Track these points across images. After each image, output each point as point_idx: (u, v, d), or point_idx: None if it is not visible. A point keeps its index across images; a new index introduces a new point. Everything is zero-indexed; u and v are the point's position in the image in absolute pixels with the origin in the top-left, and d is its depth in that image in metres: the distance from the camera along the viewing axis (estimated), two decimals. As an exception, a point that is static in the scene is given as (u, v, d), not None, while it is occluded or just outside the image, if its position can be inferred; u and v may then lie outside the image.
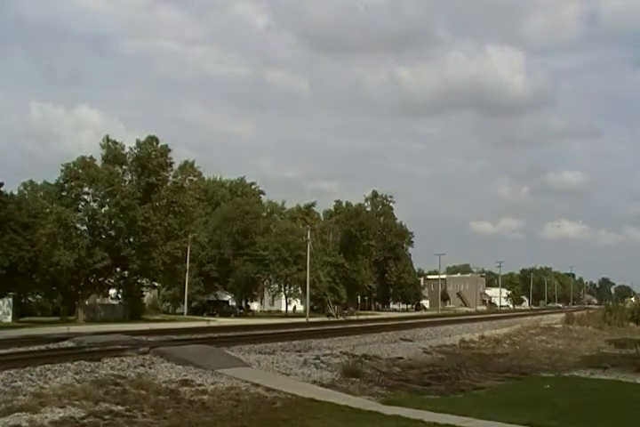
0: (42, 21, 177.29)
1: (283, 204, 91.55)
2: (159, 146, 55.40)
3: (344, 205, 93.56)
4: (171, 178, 57.40)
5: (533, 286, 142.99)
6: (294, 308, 78.11)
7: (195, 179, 62.41)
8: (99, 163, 54.83)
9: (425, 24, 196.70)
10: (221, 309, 69.76)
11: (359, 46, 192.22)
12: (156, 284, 62.24)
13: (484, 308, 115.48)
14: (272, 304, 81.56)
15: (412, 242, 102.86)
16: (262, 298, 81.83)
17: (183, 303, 66.06)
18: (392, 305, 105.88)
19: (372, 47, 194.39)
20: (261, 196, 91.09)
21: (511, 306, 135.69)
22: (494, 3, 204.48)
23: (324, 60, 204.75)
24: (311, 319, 53.24)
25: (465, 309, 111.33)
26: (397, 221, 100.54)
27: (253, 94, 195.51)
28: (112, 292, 60.99)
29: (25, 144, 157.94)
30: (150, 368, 15.35)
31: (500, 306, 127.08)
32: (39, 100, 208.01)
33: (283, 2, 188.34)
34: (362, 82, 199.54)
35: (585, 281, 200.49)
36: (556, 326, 45.87)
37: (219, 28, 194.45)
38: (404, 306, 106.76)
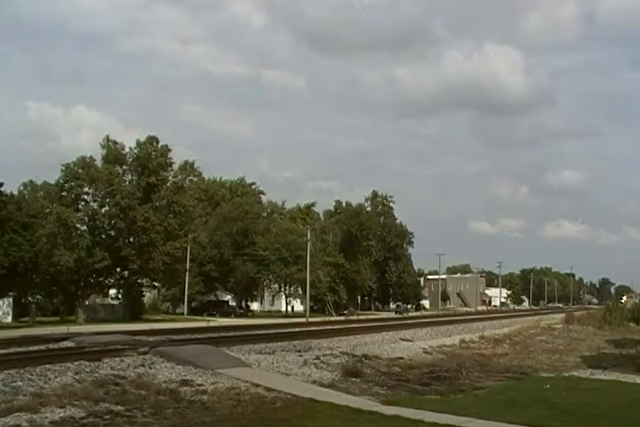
0: (39, 20, 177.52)
1: (283, 204, 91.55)
2: (159, 146, 55.32)
3: (344, 205, 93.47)
4: (171, 178, 57.34)
5: (533, 286, 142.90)
6: (292, 308, 78.01)
7: (195, 179, 62.30)
8: (99, 163, 54.76)
9: (423, 23, 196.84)
10: (221, 309, 69.63)
11: (357, 46, 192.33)
12: (156, 284, 62.14)
13: (485, 308, 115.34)
14: (272, 304, 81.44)
15: (412, 242, 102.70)
16: (262, 298, 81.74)
17: (183, 303, 66.06)
18: (392, 305, 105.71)
19: (369, 46, 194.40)
20: (261, 196, 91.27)
21: (511, 306, 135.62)
22: (492, 2, 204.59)
23: (321, 59, 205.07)
24: (311, 319, 53.20)
25: (465, 309, 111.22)
26: (397, 221, 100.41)
27: (251, 94, 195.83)
28: (112, 292, 60.93)
29: (23, 144, 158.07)
30: (150, 368, 15.36)
31: (501, 306, 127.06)
32: (37, 99, 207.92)
33: (280, 1, 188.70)
34: (360, 81, 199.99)
35: (585, 281, 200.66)
36: (556, 326, 45.94)
37: (216, 28, 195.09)
38: (404, 306, 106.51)
